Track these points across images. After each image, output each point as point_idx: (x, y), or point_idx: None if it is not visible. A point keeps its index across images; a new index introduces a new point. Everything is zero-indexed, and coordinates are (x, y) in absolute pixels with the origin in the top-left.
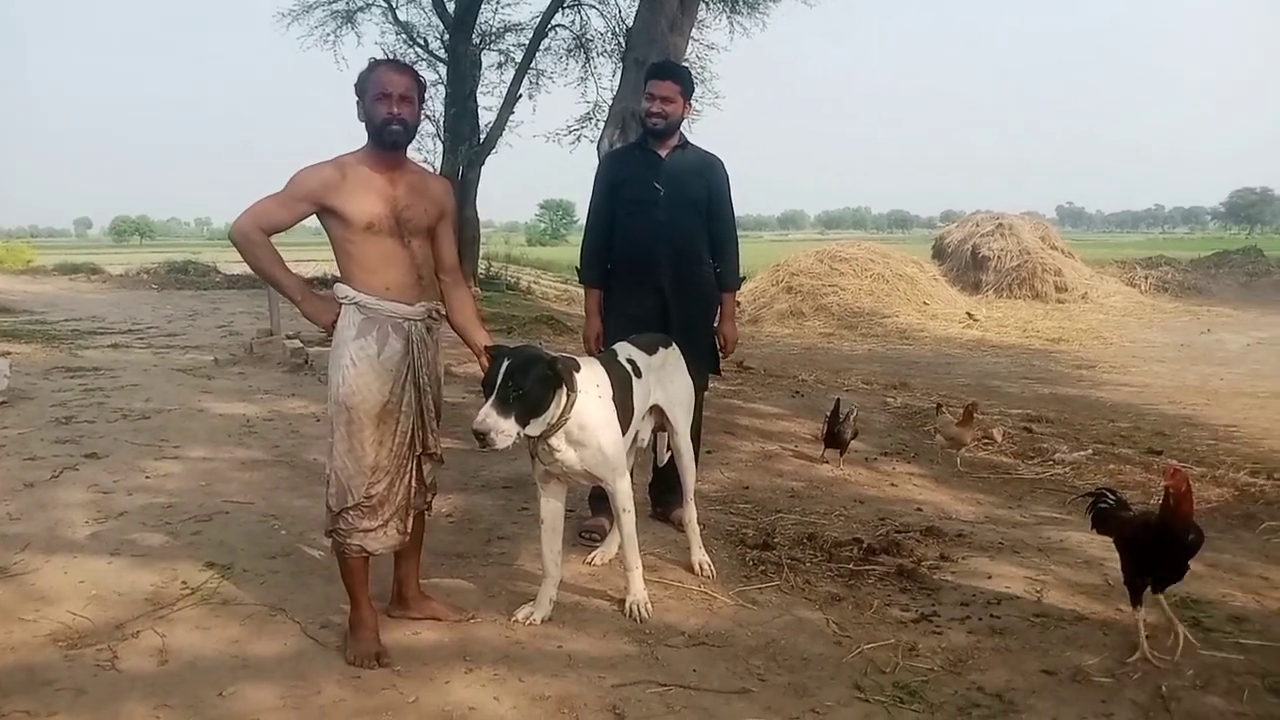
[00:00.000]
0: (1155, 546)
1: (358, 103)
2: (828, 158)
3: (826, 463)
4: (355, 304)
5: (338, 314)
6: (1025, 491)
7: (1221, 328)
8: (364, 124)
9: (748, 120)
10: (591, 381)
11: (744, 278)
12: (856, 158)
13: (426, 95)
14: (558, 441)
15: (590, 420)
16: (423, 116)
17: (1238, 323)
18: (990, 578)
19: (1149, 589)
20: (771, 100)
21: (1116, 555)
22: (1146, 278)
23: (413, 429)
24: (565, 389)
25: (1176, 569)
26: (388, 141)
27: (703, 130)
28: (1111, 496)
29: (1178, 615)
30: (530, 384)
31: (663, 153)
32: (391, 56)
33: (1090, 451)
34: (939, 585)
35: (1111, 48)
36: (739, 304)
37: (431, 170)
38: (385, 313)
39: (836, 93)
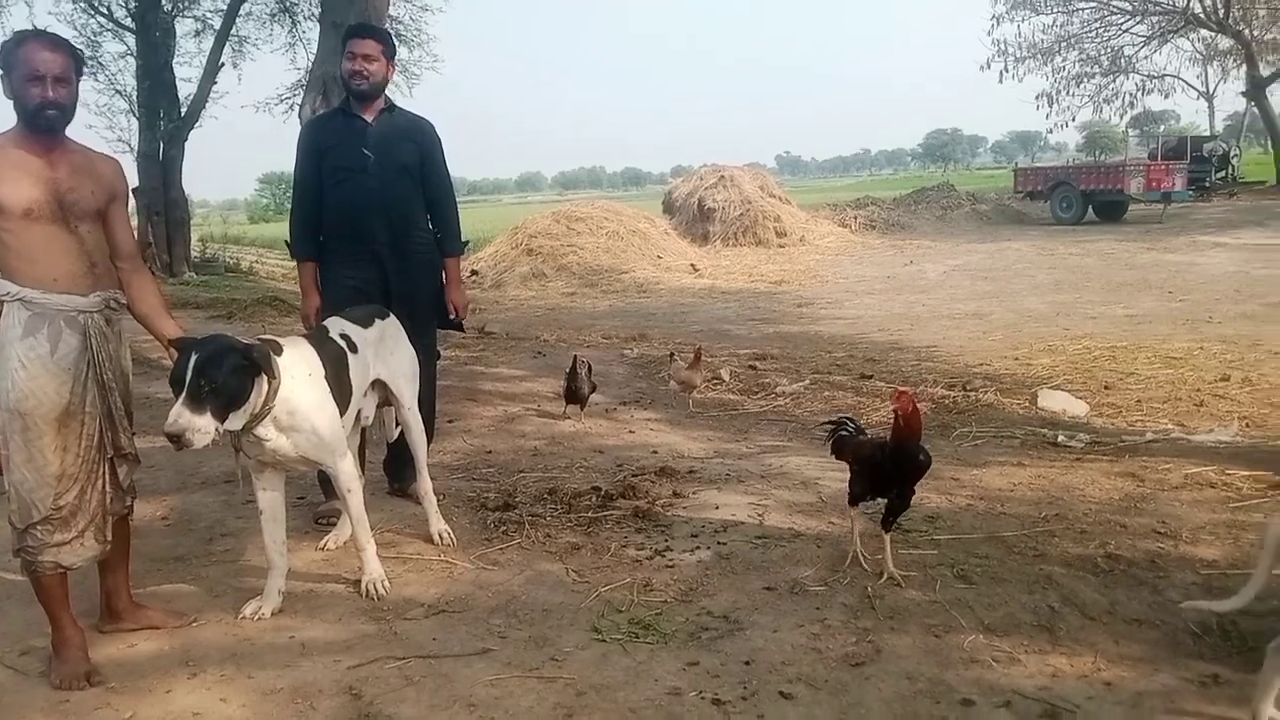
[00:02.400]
0: (888, 467)
1: (2, 78)
2: (563, 119)
3: (568, 418)
4: (19, 300)
5: None
6: (751, 424)
7: (922, 259)
8: (12, 102)
9: (482, 83)
10: (300, 363)
11: (468, 242)
12: (591, 118)
13: (115, 69)
14: (265, 431)
15: (300, 404)
16: (112, 91)
17: (936, 252)
18: (718, 508)
19: (877, 529)
20: (504, 62)
21: (829, 474)
22: (856, 218)
23: (100, 430)
24: (265, 376)
25: (903, 493)
26: (43, 127)
27: (431, 95)
28: (850, 424)
29: (894, 554)
30: (224, 376)
31: (368, 117)
32: (43, 29)
33: (808, 382)
34: (672, 521)
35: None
36: (477, 272)
37: (99, 150)
38: (55, 306)
39: (567, 54)
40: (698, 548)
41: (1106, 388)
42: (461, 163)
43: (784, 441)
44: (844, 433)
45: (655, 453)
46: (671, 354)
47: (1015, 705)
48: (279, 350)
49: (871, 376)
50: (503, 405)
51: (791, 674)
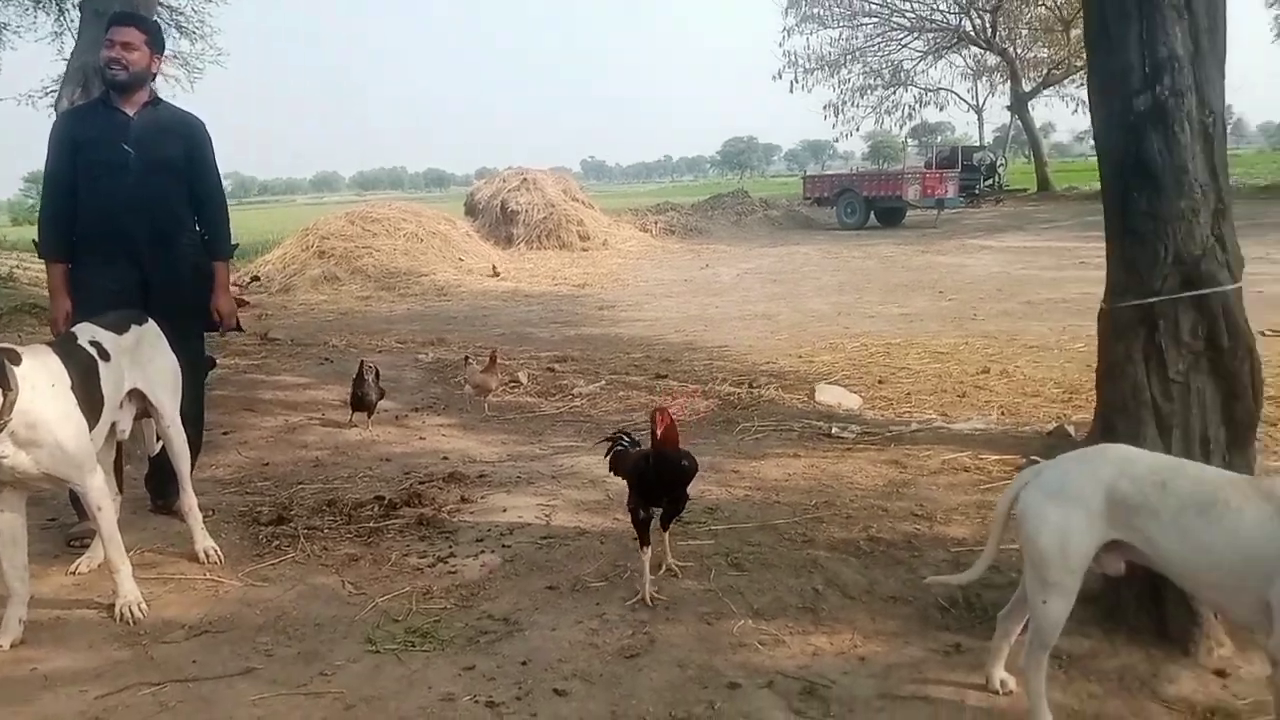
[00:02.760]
0: (652, 476)
1: None
2: (362, 119)
3: (354, 426)
4: None
5: None
6: (546, 426)
7: (718, 262)
8: None
9: (277, 81)
10: (41, 372)
11: (237, 245)
12: (391, 119)
13: None
14: (2, 447)
15: (42, 416)
16: None
17: (730, 257)
18: (506, 511)
19: (657, 526)
20: (301, 61)
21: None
22: (657, 223)
23: None
24: (0, 388)
25: (675, 499)
26: None
27: (222, 93)
28: (626, 439)
29: (672, 546)
30: None
31: (130, 111)
32: None
33: (605, 382)
34: (457, 527)
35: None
36: (258, 278)
37: None
38: None
39: (367, 55)
40: (482, 552)
41: (880, 382)
42: (252, 161)
43: (577, 441)
44: (620, 448)
45: (445, 458)
46: (467, 357)
47: (777, 685)
48: (17, 360)
49: (666, 376)
50: (284, 415)
51: (567, 671)
